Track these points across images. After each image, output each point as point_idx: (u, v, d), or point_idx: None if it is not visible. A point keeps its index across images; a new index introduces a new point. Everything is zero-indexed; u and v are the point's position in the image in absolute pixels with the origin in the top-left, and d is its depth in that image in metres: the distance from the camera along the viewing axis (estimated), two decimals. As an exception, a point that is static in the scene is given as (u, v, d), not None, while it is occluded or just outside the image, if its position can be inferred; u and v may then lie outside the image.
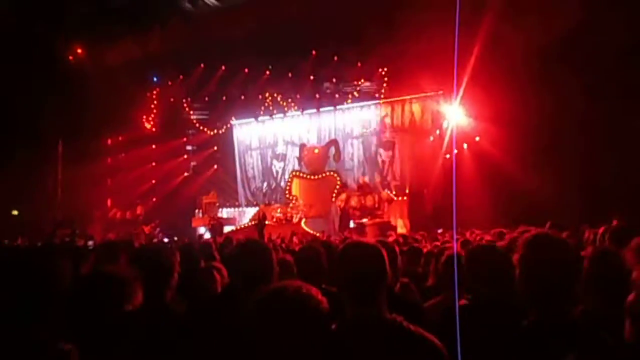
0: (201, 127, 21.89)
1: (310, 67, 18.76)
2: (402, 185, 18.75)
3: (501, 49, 12.42)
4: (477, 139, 15.66)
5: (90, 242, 6.28)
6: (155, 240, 14.90)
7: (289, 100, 20.38)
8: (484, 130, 15.23)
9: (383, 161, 19.60)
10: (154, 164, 21.37)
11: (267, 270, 2.41)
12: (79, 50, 18.43)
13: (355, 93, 19.52)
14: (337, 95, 19.96)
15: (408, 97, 18.91)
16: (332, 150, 20.44)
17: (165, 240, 15.40)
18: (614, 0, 11.32)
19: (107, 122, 18.38)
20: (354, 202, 17.27)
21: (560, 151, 12.66)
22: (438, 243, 6.62)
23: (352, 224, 17.08)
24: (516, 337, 1.81)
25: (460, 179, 14.69)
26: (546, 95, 11.76)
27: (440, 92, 17.67)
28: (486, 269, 2.53)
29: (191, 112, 21.56)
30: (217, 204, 20.73)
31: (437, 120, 18.22)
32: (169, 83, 20.62)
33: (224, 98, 21.01)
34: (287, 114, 21.02)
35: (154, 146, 21.28)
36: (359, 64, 18.55)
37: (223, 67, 19.65)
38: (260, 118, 21.73)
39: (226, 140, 22.39)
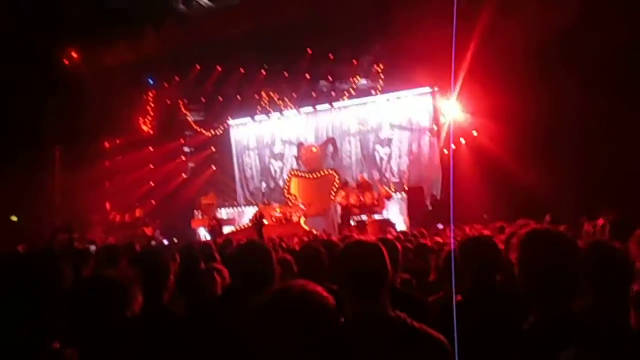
0: (198, 128, 21.85)
1: (306, 65, 18.72)
2: (401, 182, 18.76)
3: (498, 43, 12.43)
4: (475, 134, 15.67)
5: (92, 247, 6.27)
6: (154, 242, 14.88)
7: (286, 99, 20.35)
8: (481, 126, 15.24)
9: (381, 158, 19.61)
10: (151, 166, 21.33)
11: (267, 271, 2.41)
12: (74, 54, 18.38)
13: (351, 90, 19.49)
14: (333, 93, 19.93)
15: (405, 93, 18.91)
16: (330, 148, 20.44)
17: (165, 242, 15.39)
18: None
19: (104, 126, 18.35)
20: (353, 199, 17.26)
21: (558, 145, 12.68)
22: (439, 239, 6.63)
23: (351, 222, 17.09)
24: (516, 332, 1.80)
25: (459, 174, 14.70)
26: (543, 90, 11.77)
27: (437, 87, 17.69)
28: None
29: (188, 114, 21.53)
30: (216, 205, 20.72)
31: (434, 115, 18.23)
32: (165, 85, 20.56)
33: (220, 98, 20.97)
34: (284, 113, 21.00)
35: (151, 148, 21.24)
36: (355, 61, 18.54)
37: (218, 68, 19.59)
38: (257, 118, 21.71)
39: (223, 141, 22.37)
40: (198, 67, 19.58)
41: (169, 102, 20.89)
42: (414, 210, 16.49)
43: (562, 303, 1.76)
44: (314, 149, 20.47)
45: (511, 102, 12.65)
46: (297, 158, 20.94)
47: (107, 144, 20.71)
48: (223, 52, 17.86)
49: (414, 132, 19.22)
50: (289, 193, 20.14)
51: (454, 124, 16.01)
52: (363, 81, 19.31)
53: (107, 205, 20.63)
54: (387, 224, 15.60)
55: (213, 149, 22.41)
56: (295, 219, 18.38)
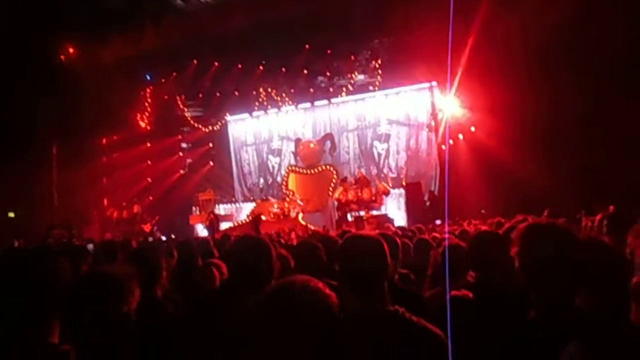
0: (196, 124, 21.82)
1: (304, 61, 18.69)
2: (399, 178, 18.76)
3: (496, 39, 12.42)
4: (473, 129, 15.66)
5: (90, 246, 6.24)
6: (151, 239, 14.85)
7: (283, 95, 20.33)
8: (479, 121, 15.23)
9: (379, 154, 19.62)
10: (149, 162, 21.31)
11: (265, 266, 2.37)
12: (71, 50, 18.31)
13: (349, 86, 19.48)
14: (331, 89, 19.91)
15: (402, 88, 18.89)
16: (328, 144, 20.43)
17: (163, 238, 15.36)
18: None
19: (101, 122, 18.30)
20: (351, 195, 17.27)
21: (556, 141, 12.70)
22: (437, 234, 6.62)
23: (349, 218, 17.09)
24: (518, 327, 1.80)
25: (457, 170, 14.72)
26: (542, 86, 11.78)
27: (435, 83, 17.67)
28: (485, 256, 2.54)
29: (185, 109, 21.49)
30: (214, 201, 20.71)
31: (432, 111, 18.22)
32: (163, 80, 20.51)
33: (218, 94, 20.96)
34: (282, 109, 20.97)
35: (148, 144, 21.22)
36: (353, 57, 18.52)
37: (216, 63, 19.56)
38: (254, 113, 21.67)
39: (221, 137, 22.35)
40: (196, 62, 19.54)
41: (166, 97, 20.86)
42: (411, 206, 16.51)
43: (565, 297, 1.75)
44: (312, 145, 20.45)
45: (509, 98, 12.65)
46: (295, 154, 20.93)
47: (104, 140, 20.68)
48: (221, 47, 17.82)
49: (411, 128, 19.22)
50: (286, 189, 20.13)
51: (451, 119, 16.00)
52: (361, 77, 19.30)
53: (105, 202, 20.61)
54: (385, 219, 15.60)
55: (211, 144, 22.39)
56: (293, 214, 18.37)
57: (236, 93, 20.75)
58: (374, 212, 17.06)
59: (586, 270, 1.82)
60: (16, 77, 14.16)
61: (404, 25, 14.69)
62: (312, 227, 15.97)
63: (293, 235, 12.76)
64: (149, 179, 21.30)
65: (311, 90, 20.10)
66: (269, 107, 21.03)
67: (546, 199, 9.99)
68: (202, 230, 19.15)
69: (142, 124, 21.07)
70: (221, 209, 21.02)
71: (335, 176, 19.24)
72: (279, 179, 21.20)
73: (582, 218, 5.97)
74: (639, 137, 10.58)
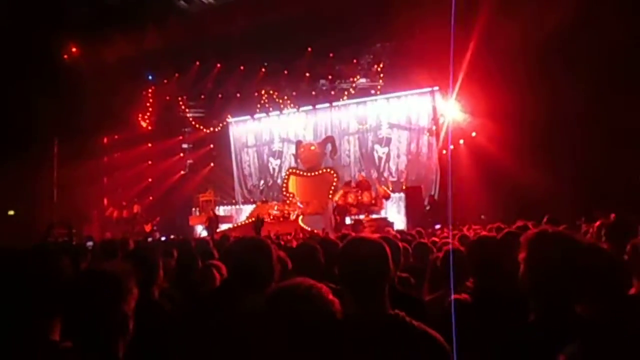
0: (197, 125, 21.85)
1: (306, 64, 18.73)
2: (399, 182, 18.77)
3: (497, 44, 12.44)
4: (474, 134, 15.67)
5: (90, 243, 6.23)
6: (150, 239, 14.84)
7: (285, 97, 20.36)
8: (480, 126, 15.25)
9: (379, 157, 19.63)
10: (150, 162, 21.32)
11: (265, 268, 2.34)
12: (74, 49, 18.32)
13: (351, 89, 19.50)
14: (332, 92, 19.95)
15: (404, 92, 18.92)
16: (329, 147, 20.45)
17: (162, 238, 15.35)
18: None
19: (102, 121, 18.28)
20: (350, 198, 17.26)
21: (556, 146, 12.69)
22: (436, 239, 6.62)
23: (348, 221, 17.08)
24: (517, 330, 1.81)
25: (457, 175, 14.72)
26: (542, 91, 11.79)
27: (436, 87, 17.70)
28: (486, 260, 2.55)
29: (187, 110, 21.51)
30: (214, 202, 20.70)
31: (433, 115, 18.24)
32: (165, 81, 20.53)
33: (220, 96, 20.98)
34: (283, 111, 21.00)
35: (150, 145, 21.23)
36: (355, 61, 18.56)
37: (218, 65, 19.59)
38: (256, 115, 21.71)
39: (222, 138, 22.38)
40: (198, 64, 19.56)
41: (168, 98, 20.87)
42: (411, 210, 16.50)
43: (567, 303, 1.77)
44: (313, 147, 20.47)
45: (510, 103, 12.66)
46: (296, 156, 20.95)
47: (105, 140, 20.68)
48: (223, 49, 17.84)
49: (412, 132, 19.24)
50: (287, 191, 20.14)
51: (452, 124, 16.02)
52: (363, 80, 19.33)
53: (105, 201, 20.61)
54: (385, 223, 15.59)
55: (212, 146, 22.40)
56: (293, 217, 18.37)
57: (238, 95, 20.78)
58: (374, 216, 17.05)
59: (587, 276, 1.83)
60: (18, 76, 14.16)
61: (405, 29, 14.71)
62: (314, 230, 15.96)
63: (293, 241, 12.70)
64: (150, 179, 21.31)
65: (313, 93, 20.13)
66: (271, 109, 21.06)
67: (546, 204, 9.98)
68: (201, 231, 19.14)
69: (144, 124, 21.08)
70: (221, 210, 21.03)
71: (335, 179, 19.25)
72: (279, 181, 21.21)
73: (582, 225, 5.96)
74: (640, 143, 10.60)
